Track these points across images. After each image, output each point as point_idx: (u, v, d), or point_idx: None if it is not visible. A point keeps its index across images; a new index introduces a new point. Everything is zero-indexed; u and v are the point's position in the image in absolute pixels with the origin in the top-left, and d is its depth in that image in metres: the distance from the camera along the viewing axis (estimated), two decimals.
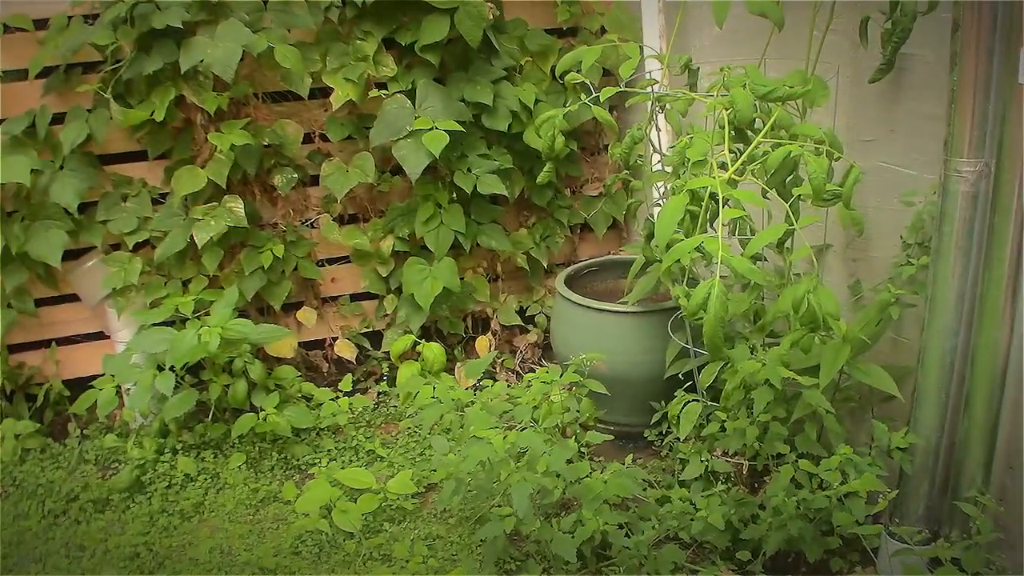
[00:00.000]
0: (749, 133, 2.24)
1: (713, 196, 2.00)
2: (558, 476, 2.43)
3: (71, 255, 3.28)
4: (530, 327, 3.70)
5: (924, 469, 2.29)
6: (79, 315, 3.43)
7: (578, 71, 2.57)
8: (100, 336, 3.46)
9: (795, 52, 2.45)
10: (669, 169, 2.61)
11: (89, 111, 3.17)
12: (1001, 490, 2.22)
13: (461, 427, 2.69)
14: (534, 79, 3.43)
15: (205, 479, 3.02)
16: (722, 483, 2.48)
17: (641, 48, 2.91)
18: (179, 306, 3.20)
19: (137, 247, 3.29)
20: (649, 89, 2.56)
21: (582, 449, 2.68)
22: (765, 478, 2.55)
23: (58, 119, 3.18)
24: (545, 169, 2.63)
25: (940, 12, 2.11)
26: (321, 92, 3.29)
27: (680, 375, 2.79)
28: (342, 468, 2.98)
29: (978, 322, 2.13)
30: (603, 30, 3.49)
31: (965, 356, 2.19)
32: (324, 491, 2.77)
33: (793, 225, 2.05)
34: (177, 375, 3.04)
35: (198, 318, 3.12)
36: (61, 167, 3.17)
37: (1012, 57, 1.94)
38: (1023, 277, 2.04)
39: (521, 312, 3.69)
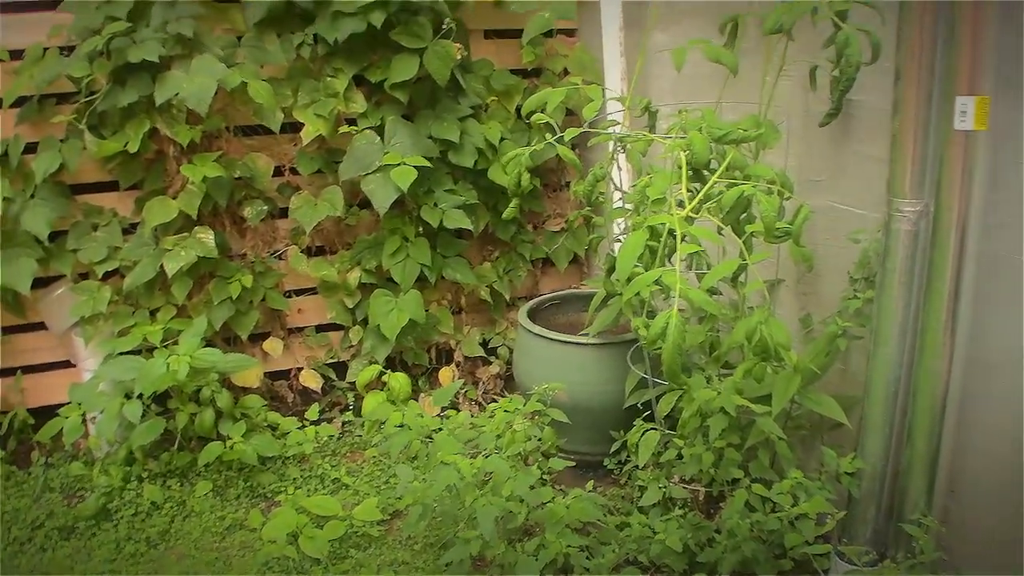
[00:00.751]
0: (705, 173, 2.35)
1: (671, 232, 2.11)
2: (522, 501, 2.50)
3: (40, 283, 3.30)
4: (492, 359, 3.78)
5: (871, 493, 2.41)
6: (46, 343, 3.44)
7: (543, 111, 2.68)
8: (66, 364, 3.47)
9: (749, 96, 2.59)
10: (629, 206, 2.72)
11: (62, 141, 3.21)
12: (943, 512, 2.33)
13: (427, 455, 2.75)
14: (499, 117, 3.54)
15: (171, 507, 3.05)
16: (679, 508, 2.57)
17: (603, 90, 3.03)
18: (147, 335, 3.24)
19: (106, 276, 3.33)
20: (611, 130, 2.67)
21: (544, 476, 2.75)
22: (720, 504, 2.64)
23: (31, 148, 3.22)
24: (511, 205, 2.73)
25: (883, 62, 2.25)
26: (292, 127, 3.37)
27: (639, 405, 2.89)
28: (308, 496, 3.02)
29: (919, 353, 2.26)
30: (566, 71, 3.61)
31: (908, 385, 2.31)
32: (290, 518, 2.81)
33: (746, 260, 2.16)
34: (144, 403, 3.07)
35: (166, 347, 3.16)
36: (32, 196, 3.21)
37: (949, 104, 2.08)
38: (960, 310, 2.17)
39: (484, 344, 3.78)
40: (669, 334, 1.91)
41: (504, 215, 2.79)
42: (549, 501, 2.54)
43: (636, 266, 2.20)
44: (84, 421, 3.18)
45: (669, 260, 2.24)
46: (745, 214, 2.35)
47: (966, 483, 2.31)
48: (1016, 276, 2.10)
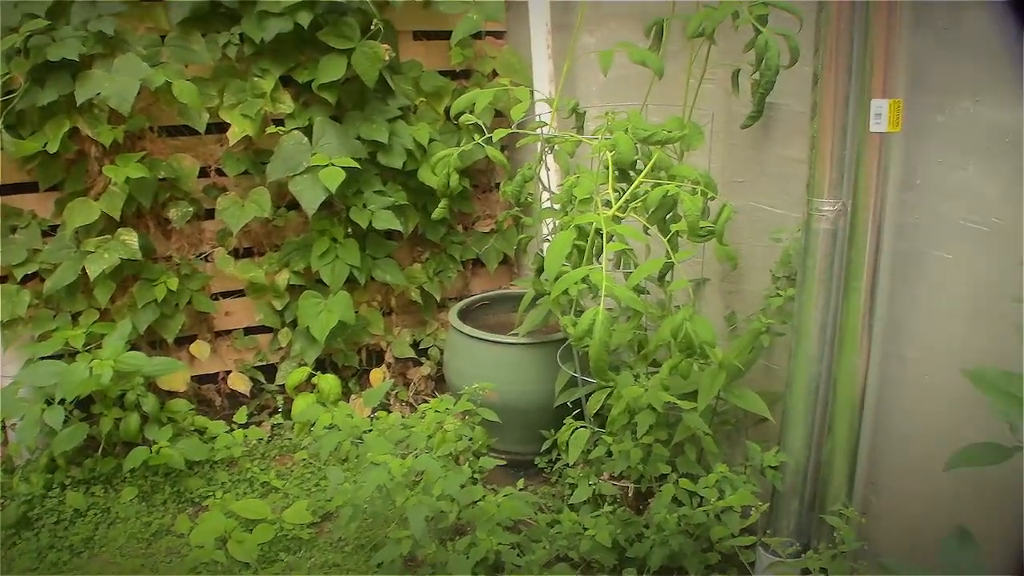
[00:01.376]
0: (631, 173, 2.39)
1: (598, 231, 2.14)
2: (453, 500, 2.51)
3: None
4: (423, 360, 3.78)
5: (794, 486, 2.46)
6: None
7: (471, 112, 2.69)
8: None
9: (672, 98, 2.63)
10: (558, 206, 2.75)
11: None
12: (864, 503, 2.40)
13: (358, 456, 2.74)
14: (428, 119, 3.55)
15: (95, 514, 2.99)
16: (609, 505, 2.60)
17: (532, 92, 3.05)
18: (69, 339, 3.17)
19: (25, 279, 3.25)
20: (539, 131, 2.70)
21: (475, 475, 2.76)
22: (649, 500, 2.68)
23: None
24: (440, 206, 2.73)
25: (802, 65, 2.31)
26: (218, 127, 3.33)
27: (569, 404, 2.91)
28: (237, 500, 2.99)
29: (839, 349, 2.32)
30: (495, 73, 3.64)
31: (828, 381, 2.38)
32: (219, 522, 2.78)
33: (672, 259, 2.20)
34: (66, 409, 3.00)
35: (89, 351, 3.10)
36: None
37: (864, 107, 2.14)
38: (877, 307, 2.24)
39: (415, 345, 3.78)
40: (595, 331, 1.93)
41: (433, 216, 2.79)
42: (480, 500, 2.55)
43: (564, 265, 2.23)
44: (3, 428, 3.10)
45: (597, 259, 2.27)
46: (671, 214, 2.39)
47: (885, 474, 2.39)
48: (929, 273, 2.17)
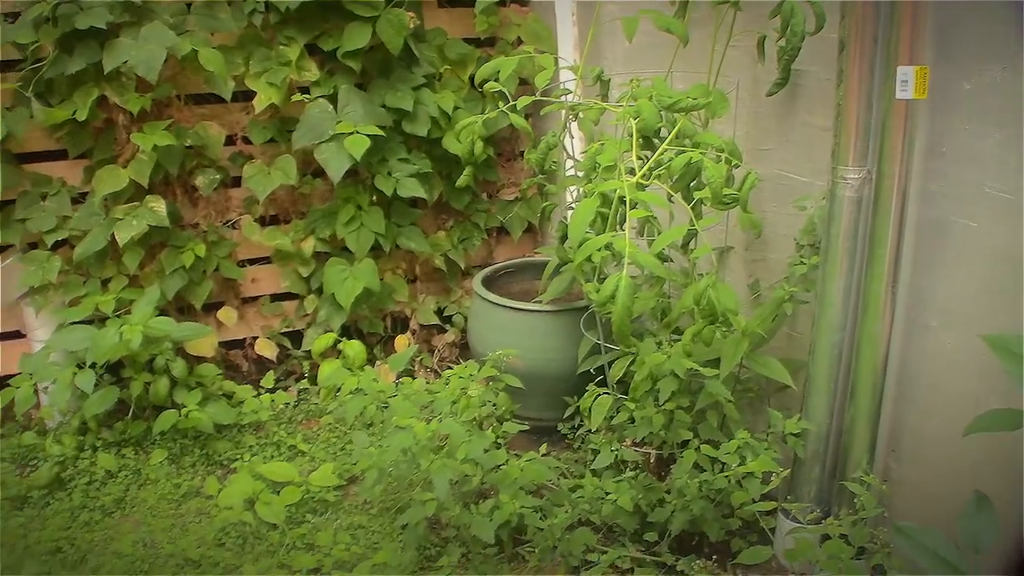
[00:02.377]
0: (655, 141, 2.39)
1: (622, 199, 2.15)
2: (476, 464, 2.54)
3: None
4: (447, 327, 3.81)
5: (815, 453, 2.48)
6: None
7: (496, 80, 2.69)
8: (16, 335, 3.44)
9: (699, 66, 2.63)
10: (581, 174, 2.76)
11: (8, 109, 3.16)
12: (885, 471, 2.42)
13: (383, 421, 2.78)
14: (453, 87, 3.55)
15: (126, 475, 3.05)
16: (631, 471, 2.63)
17: (556, 59, 3.05)
18: (99, 305, 3.22)
19: (56, 246, 3.29)
20: (563, 98, 2.70)
21: (499, 440, 2.79)
22: (671, 466, 2.70)
23: None
24: (464, 173, 2.75)
25: (829, 32, 2.30)
26: (244, 95, 3.35)
27: (592, 371, 2.94)
28: (264, 463, 3.04)
29: (862, 316, 2.32)
30: (519, 40, 3.62)
31: (851, 348, 2.38)
32: (247, 484, 2.83)
33: (695, 226, 2.21)
34: (97, 373, 3.06)
35: (118, 317, 3.15)
36: None
37: (891, 74, 2.13)
38: (901, 274, 2.24)
39: (439, 312, 3.80)
40: (618, 297, 1.95)
41: (458, 183, 2.81)
42: (503, 464, 2.58)
43: (587, 232, 2.24)
44: (35, 391, 3.16)
45: (620, 227, 2.28)
46: (695, 181, 2.39)
47: (906, 442, 2.39)
48: (953, 241, 2.17)
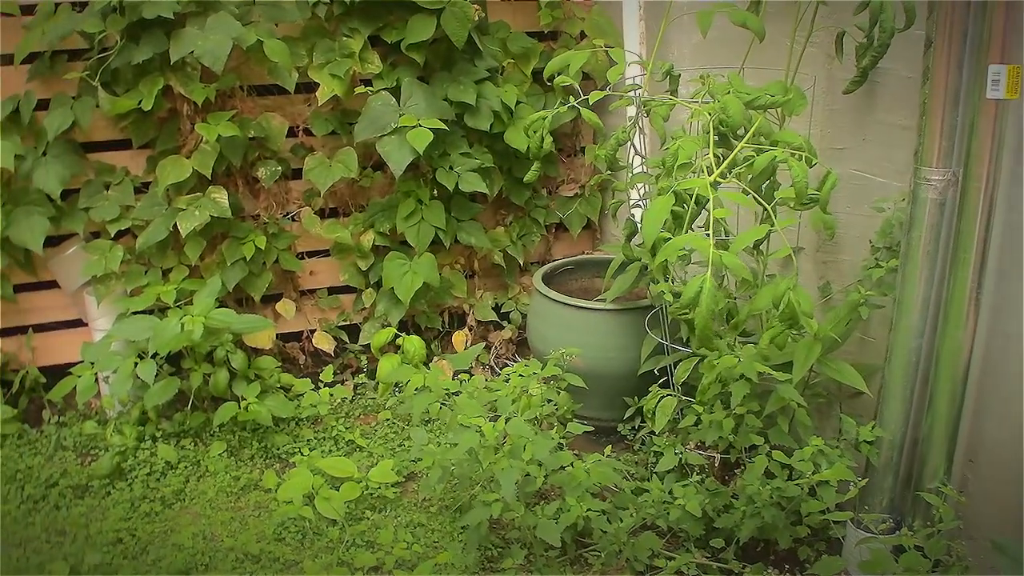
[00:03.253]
0: (732, 139, 2.34)
1: (700, 197, 2.09)
2: (540, 465, 2.51)
3: (52, 241, 3.29)
4: (505, 323, 3.78)
5: (889, 462, 2.42)
6: (57, 302, 3.44)
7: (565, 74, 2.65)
8: (77, 324, 3.47)
9: (770, 62, 2.57)
10: (650, 171, 2.70)
11: (74, 98, 3.19)
12: (962, 482, 2.34)
13: (438, 419, 2.75)
14: (515, 80, 3.51)
15: (186, 467, 3.06)
16: (696, 475, 2.58)
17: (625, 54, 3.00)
18: (160, 295, 3.23)
19: (119, 235, 3.31)
20: (633, 93, 2.65)
21: (561, 441, 2.76)
22: (735, 471, 2.66)
23: (42, 105, 3.19)
24: (533, 168, 2.70)
25: (913, 29, 2.23)
26: (306, 87, 3.34)
27: (654, 372, 2.89)
28: (323, 457, 3.03)
29: (943, 323, 2.25)
30: (583, 35, 3.58)
31: (930, 355, 2.31)
32: (306, 479, 2.81)
33: (774, 226, 2.15)
34: (158, 363, 3.07)
35: (179, 307, 3.16)
36: (44, 153, 3.19)
37: (981, 72, 2.06)
38: (985, 281, 2.16)
39: (496, 308, 3.77)
40: (703, 299, 1.90)
41: (526, 178, 2.76)
42: (568, 465, 2.54)
43: (661, 232, 2.19)
44: (96, 380, 3.18)
45: (691, 227, 2.23)
46: (769, 181, 2.34)
47: (985, 452, 2.32)
48: None
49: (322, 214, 3.55)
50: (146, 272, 3.36)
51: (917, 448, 2.38)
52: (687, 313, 1.97)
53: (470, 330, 3.71)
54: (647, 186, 2.79)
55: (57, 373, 3.27)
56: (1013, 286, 2.16)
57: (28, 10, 3.15)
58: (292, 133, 3.43)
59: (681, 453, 2.63)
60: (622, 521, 2.46)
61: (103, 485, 2.98)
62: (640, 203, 2.87)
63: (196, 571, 2.58)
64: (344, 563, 2.58)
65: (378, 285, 3.57)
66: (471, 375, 3.24)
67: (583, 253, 3.85)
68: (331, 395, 3.36)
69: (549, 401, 2.83)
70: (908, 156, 2.28)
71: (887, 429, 2.39)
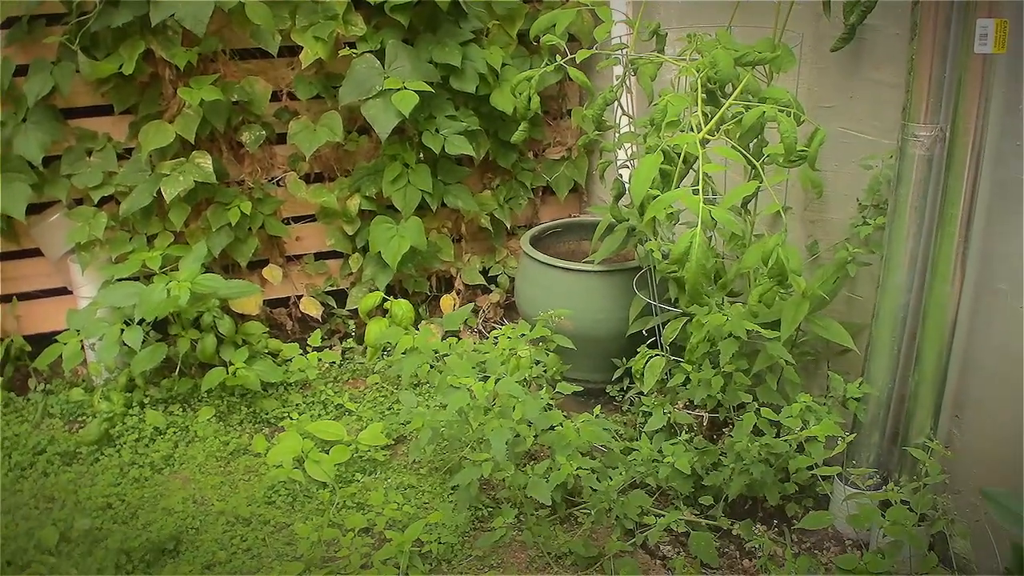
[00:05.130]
0: (720, 96, 2.33)
1: (689, 155, 2.09)
2: (530, 425, 2.52)
3: (34, 209, 3.25)
4: (492, 287, 3.78)
5: (876, 418, 2.44)
6: (41, 270, 3.41)
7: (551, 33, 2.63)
8: (62, 292, 3.44)
9: (758, 20, 2.56)
10: (637, 131, 2.69)
11: (53, 63, 3.13)
12: (948, 437, 2.36)
13: (428, 381, 2.75)
14: (501, 42, 3.48)
15: (175, 432, 3.05)
16: (684, 434, 2.59)
17: (612, 13, 2.98)
18: (146, 261, 3.21)
19: (102, 202, 3.28)
20: (620, 53, 2.64)
21: (550, 402, 2.77)
22: (723, 430, 2.67)
23: (21, 71, 3.14)
24: (520, 128, 2.69)
25: None
26: (290, 50, 3.30)
27: (643, 332, 2.89)
28: (312, 421, 3.03)
29: (930, 279, 2.26)
30: None
31: (917, 312, 2.33)
32: (295, 443, 2.80)
33: (763, 182, 2.15)
34: (144, 330, 3.05)
35: (165, 273, 3.14)
36: (24, 120, 3.14)
37: (969, 27, 2.05)
38: (973, 236, 2.17)
39: (484, 272, 3.77)
40: (693, 254, 1.90)
41: (513, 138, 2.75)
42: (558, 425, 2.55)
43: (650, 190, 2.19)
44: (82, 348, 3.16)
45: (681, 184, 2.23)
46: (758, 138, 2.33)
47: (971, 408, 2.34)
48: None
49: (307, 179, 3.53)
50: (131, 239, 3.33)
51: (904, 404, 2.40)
52: (676, 271, 1.96)
53: (458, 294, 3.71)
54: (635, 146, 2.78)
55: (42, 341, 3.26)
56: (1000, 241, 2.17)
57: None
58: (276, 97, 3.39)
59: (670, 412, 2.65)
60: (612, 480, 2.47)
61: (91, 451, 2.97)
62: (628, 163, 2.86)
63: (187, 534, 2.59)
64: (335, 524, 2.59)
65: (365, 250, 3.55)
66: (459, 338, 3.24)
67: (570, 216, 3.84)
68: (319, 360, 3.34)
69: (538, 363, 2.84)
70: (895, 113, 2.27)
71: (874, 385, 2.40)
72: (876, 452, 2.48)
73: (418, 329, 3.03)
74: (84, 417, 3.16)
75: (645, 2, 2.79)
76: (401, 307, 3.27)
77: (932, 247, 2.24)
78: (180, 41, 3.12)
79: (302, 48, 3.25)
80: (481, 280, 3.73)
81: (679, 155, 2.16)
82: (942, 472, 2.24)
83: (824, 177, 2.59)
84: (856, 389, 2.40)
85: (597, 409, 2.67)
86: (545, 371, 2.90)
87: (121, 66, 3.09)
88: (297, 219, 3.59)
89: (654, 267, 2.71)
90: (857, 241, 2.45)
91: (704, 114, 2.22)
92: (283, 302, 3.65)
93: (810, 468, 2.33)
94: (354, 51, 3.28)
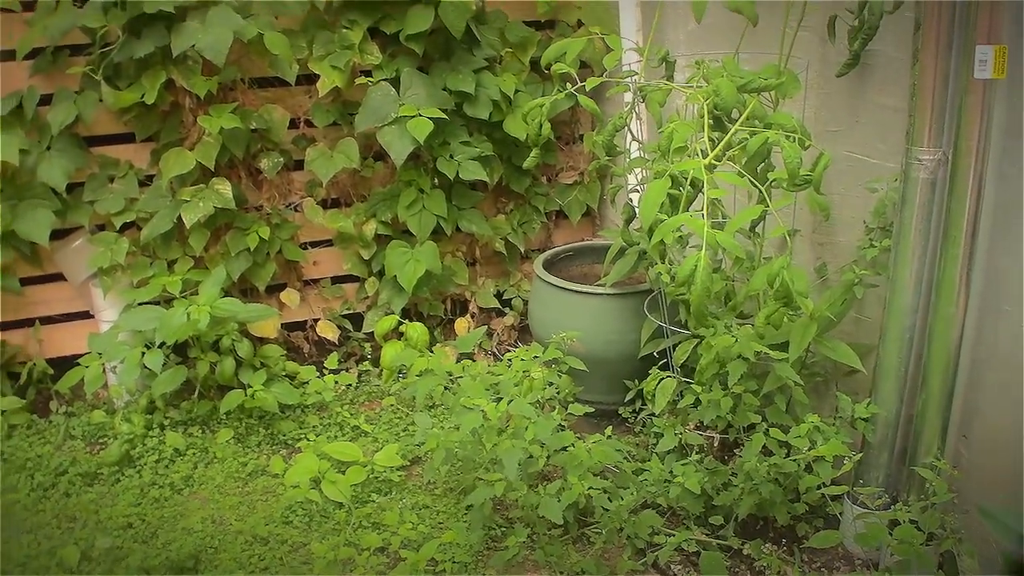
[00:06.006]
0: (726, 122, 2.38)
1: (696, 180, 2.14)
2: (542, 446, 2.55)
3: (57, 235, 3.32)
4: (507, 310, 3.82)
5: (884, 438, 2.46)
6: (63, 294, 3.48)
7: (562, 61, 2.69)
8: (84, 315, 3.51)
9: (764, 47, 2.60)
10: (647, 156, 2.74)
11: (77, 93, 3.23)
12: (956, 457, 2.39)
13: (441, 403, 2.79)
14: (514, 69, 3.55)
15: (194, 453, 3.10)
16: (695, 455, 2.62)
17: (621, 41, 3.04)
18: (166, 285, 3.27)
19: (124, 227, 3.36)
20: (630, 80, 2.69)
21: (562, 423, 2.81)
22: (734, 451, 2.70)
23: (46, 100, 3.23)
24: (532, 154, 2.75)
25: (903, 12, 2.27)
26: (307, 79, 3.38)
27: (654, 354, 2.93)
28: (328, 443, 3.07)
29: (935, 300, 2.29)
30: (580, 23, 3.62)
31: (923, 333, 2.36)
32: (312, 464, 2.86)
33: (768, 207, 2.19)
34: (164, 353, 3.11)
35: (185, 297, 3.20)
36: (48, 148, 3.23)
37: (969, 53, 2.09)
38: (976, 257, 2.20)
39: (498, 295, 3.82)
40: (697, 277, 1.94)
41: (525, 164, 2.81)
42: (570, 445, 2.59)
43: (658, 215, 2.23)
44: (104, 371, 3.22)
45: (689, 208, 2.27)
46: (764, 163, 2.38)
47: (978, 427, 2.36)
48: None
49: (324, 204, 3.59)
50: (151, 263, 3.40)
51: (911, 424, 2.42)
52: (684, 293, 2.01)
53: (472, 317, 3.76)
54: (644, 171, 2.83)
55: (64, 364, 3.33)
56: (1004, 262, 2.20)
57: (29, 6, 3.18)
58: (294, 124, 3.47)
59: (681, 433, 2.68)
60: (623, 499, 2.50)
61: (112, 472, 3.03)
62: (638, 188, 2.91)
63: (206, 553, 2.63)
64: (351, 544, 2.63)
65: (381, 274, 3.61)
66: (473, 361, 3.28)
67: (583, 240, 3.89)
68: (336, 382, 3.41)
69: (551, 384, 2.88)
70: (900, 137, 2.31)
71: (882, 406, 2.43)
72: (885, 472, 2.50)
73: (433, 352, 3.09)
74: (105, 439, 3.22)
75: (654, 30, 2.83)
76: (416, 330, 3.32)
77: (937, 268, 2.28)
78: (200, 70, 3.20)
79: (319, 76, 3.32)
80: (495, 303, 3.78)
81: (687, 180, 2.21)
82: (950, 491, 2.27)
83: (831, 200, 2.63)
84: (864, 409, 2.42)
85: (609, 430, 2.70)
86: (558, 392, 2.93)
87: (143, 95, 3.17)
88: (314, 244, 3.65)
89: (664, 290, 2.75)
90: (864, 263, 2.48)
91: (711, 140, 2.27)
92: (300, 325, 3.71)
93: (819, 487, 2.35)
94: (370, 79, 3.35)
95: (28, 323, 3.46)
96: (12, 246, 3.27)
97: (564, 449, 2.59)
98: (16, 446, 3.15)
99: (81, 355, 3.28)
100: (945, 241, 2.23)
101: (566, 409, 2.78)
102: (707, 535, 2.55)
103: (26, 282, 3.41)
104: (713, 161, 2.19)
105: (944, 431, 2.36)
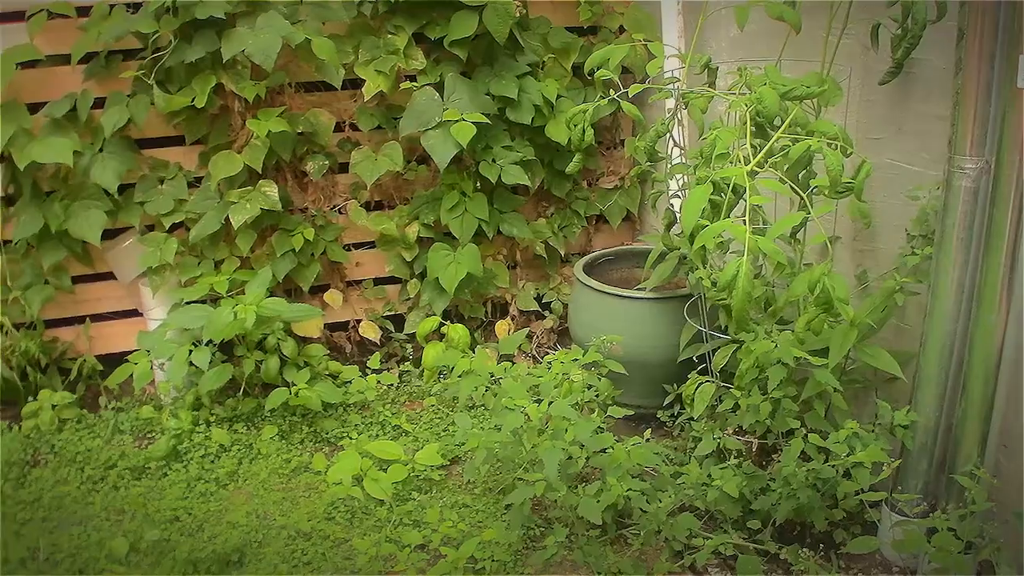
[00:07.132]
0: (768, 129, 2.39)
1: (737, 186, 2.16)
2: (582, 447, 2.58)
3: (108, 234, 3.41)
4: (546, 313, 3.86)
5: (923, 446, 2.46)
6: (113, 293, 3.57)
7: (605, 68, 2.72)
8: (133, 313, 3.60)
9: (806, 54, 2.61)
10: (688, 162, 2.77)
11: (129, 96, 3.31)
12: (995, 466, 2.38)
13: (482, 404, 2.82)
14: (556, 75, 3.59)
15: (239, 449, 3.17)
16: (733, 459, 2.64)
17: (664, 47, 3.06)
18: (214, 285, 3.35)
19: (172, 228, 3.44)
20: (672, 87, 2.72)
21: (602, 425, 2.83)
22: (772, 456, 2.71)
23: (99, 103, 3.32)
24: (575, 160, 2.78)
25: (947, 20, 2.27)
26: (352, 83, 3.44)
27: (693, 359, 2.95)
28: (370, 441, 3.12)
29: (976, 308, 2.30)
30: (622, 29, 3.65)
31: (964, 340, 2.36)
32: (354, 461, 2.92)
33: (809, 214, 2.21)
34: (211, 351, 3.18)
35: (232, 297, 3.27)
36: (101, 150, 3.32)
37: (1012, 63, 2.10)
38: (1019, 266, 2.20)
39: (538, 298, 3.85)
40: (739, 282, 1.97)
41: (568, 169, 2.84)
42: (610, 447, 2.62)
43: (699, 220, 2.25)
44: (152, 367, 3.30)
45: (730, 215, 2.29)
46: (805, 170, 2.39)
47: (1018, 435, 2.36)
48: None
49: (368, 207, 3.65)
50: (199, 263, 3.48)
51: (951, 432, 2.43)
52: (724, 298, 2.03)
53: (512, 319, 3.80)
54: (686, 177, 2.86)
55: (114, 361, 3.41)
56: None
57: (84, 12, 3.28)
58: (339, 128, 3.53)
59: (719, 438, 2.69)
60: (661, 502, 2.52)
61: (160, 467, 3.10)
62: (679, 193, 2.93)
63: (250, 547, 2.69)
64: (392, 540, 2.68)
65: (423, 276, 3.66)
66: (514, 363, 3.32)
67: (623, 244, 3.91)
68: (378, 382, 3.46)
69: (590, 387, 2.91)
70: (942, 145, 2.32)
71: (922, 413, 2.43)
72: (924, 479, 2.50)
73: (474, 353, 3.13)
74: (153, 434, 3.30)
75: (697, 36, 2.86)
76: (457, 331, 3.36)
77: (978, 276, 2.28)
78: (249, 75, 3.27)
79: (364, 81, 3.38)
80: (535, 306, 3.82)
81: (728, 186, 2.23)
82: (989, 500, 2.27)
83: (873, 207, 2.64)
84: (904, 417, 2.43)
85: (647, 434, 2.72)
86: (597, 395, 2.96)
87: (193, 99, 3.25)
88: (357, 245, 3.71)
89: (704, 295, 2.77)
90: (905, 271, 2.48)
91: (753, 147, 2.28)
92: (343, 326, 3.77)
93: (857, 494, 2.36)
94: (414, 84, 3.40)
95: (79, 320, 3.56)
96: (65, 245, 3.37)
97: (603, 451, 2.62)
98: (67, 440, 3.23)
99: (130, 352, 3.36)
100: (987, 249, 2.24)
101: (605, 412, 2.82)
102: (744, 539, 2.57)
103: (78, 280, 3.51)
104: (755, 168, 2.21)
105: (984, 440, 2.36)
